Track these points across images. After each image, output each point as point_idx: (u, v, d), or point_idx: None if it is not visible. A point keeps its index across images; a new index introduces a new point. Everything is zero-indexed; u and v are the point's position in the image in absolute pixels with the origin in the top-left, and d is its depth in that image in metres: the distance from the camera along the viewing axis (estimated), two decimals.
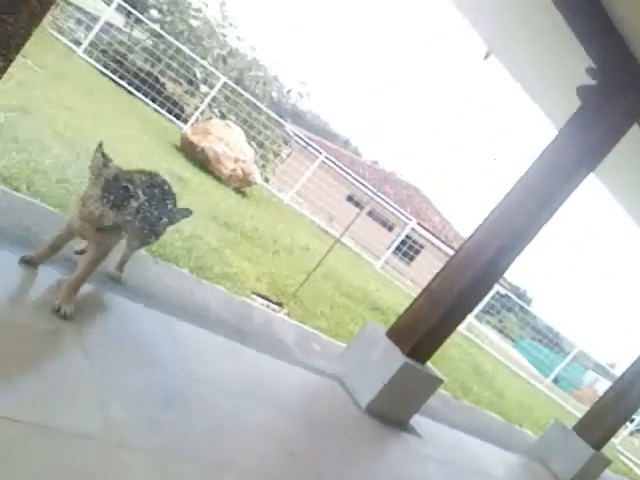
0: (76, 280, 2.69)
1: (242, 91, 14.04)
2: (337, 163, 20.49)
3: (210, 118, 13.02)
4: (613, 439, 9.67)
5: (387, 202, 20.73)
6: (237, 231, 6.99)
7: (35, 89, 6.56)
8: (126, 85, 12.88)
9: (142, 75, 13.21)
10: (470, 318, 16.34)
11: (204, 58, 14.32)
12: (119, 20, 14.68)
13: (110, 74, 12.75)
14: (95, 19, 13.45)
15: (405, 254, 20.39)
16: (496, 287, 16.18)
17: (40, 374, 2.21)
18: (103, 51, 13.08)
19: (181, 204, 3.63)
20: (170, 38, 13.52)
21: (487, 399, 8.36)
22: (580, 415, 7.30)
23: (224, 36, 16.13)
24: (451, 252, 21.41)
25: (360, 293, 9.11)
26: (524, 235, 4.30)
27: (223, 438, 2.63)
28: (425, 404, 4.60)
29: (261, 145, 14.72)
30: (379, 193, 23.69)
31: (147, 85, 13.17)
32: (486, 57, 5.33)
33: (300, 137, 22.12)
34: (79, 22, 14.18)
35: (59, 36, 12.47)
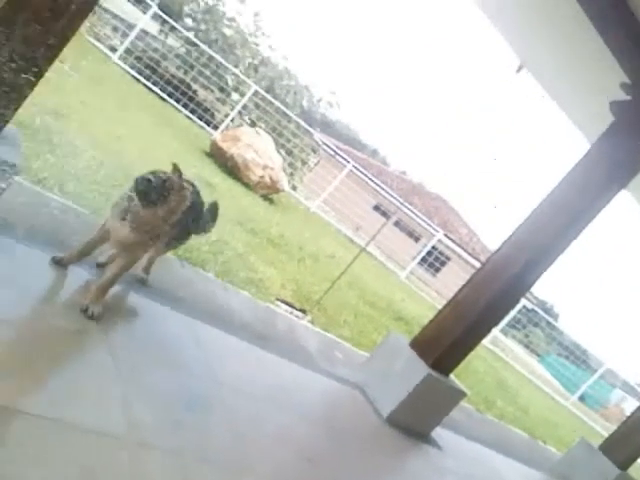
0: (105, 283, 2.74)
1: (272, 99, 14.17)
2: (365, 172, 20.44)
3: (240, 125, 13.16)
4: None
5: (414, 213, 20.60)
6: (263, 237, 7.04)
7: (70, 93, 6.73)
8: (159, 91, 13.11)
9: (175, 82, 13.44)
10: (495, 332, 16.12)
11: (236, 66, 14.49)
12: (154, 28, 14.99)
13: (144, 80, 13.00)
14: (131, 26, 13.75)
15: (431, 265, 20.20)
16: (522, 301, 15.98)
17: (67, 373, 2.26)
18: (138, 58, 13.33)
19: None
20: (203, 46, 13.73)
21: (511, 414, 8.23)
22: (606, 434, 7.14)
23: (256, 45, 16.29)
24: (478, 265, 21.21)
25: (384, 303, 9.07)
26: (552, 250, 4.25)
27: (242, 442, 2.64)
28: (447, 417, 4.56)
29: (290, 153, 14.80)
30: (406, 203, 23.55)
31: (179, 92, 13.39)
32: (518, 70, 5.31)
33: (328, 146, 22.14)
34: (115, 29, 14.53)
35: (96, 42, 12.78)
